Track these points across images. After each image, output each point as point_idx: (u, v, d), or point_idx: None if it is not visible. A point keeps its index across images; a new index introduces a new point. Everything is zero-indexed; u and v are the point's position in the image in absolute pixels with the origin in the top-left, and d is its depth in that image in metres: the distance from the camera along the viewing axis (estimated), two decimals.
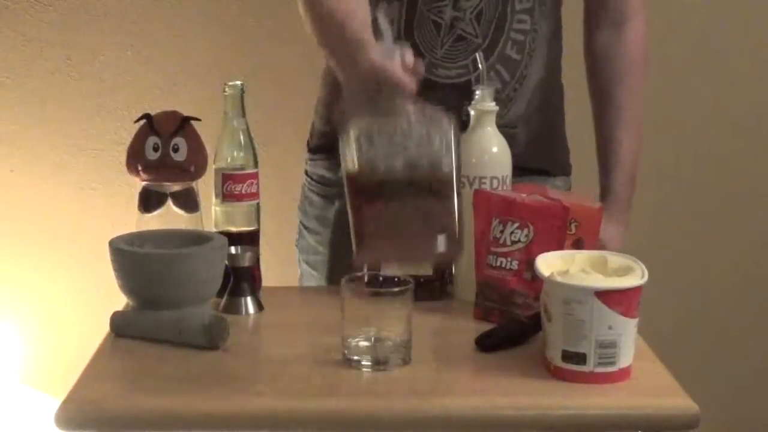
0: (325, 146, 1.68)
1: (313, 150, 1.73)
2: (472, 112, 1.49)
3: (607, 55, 1.68)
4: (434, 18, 1.57)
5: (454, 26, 1.57)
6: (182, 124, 1.53)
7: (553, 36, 1.66)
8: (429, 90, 1.57)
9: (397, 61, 1.29)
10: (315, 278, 1.72)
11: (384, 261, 1.32)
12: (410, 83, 1.29)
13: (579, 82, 1.74)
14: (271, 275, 1.57)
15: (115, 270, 1.40)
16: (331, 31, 1.44)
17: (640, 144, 1.70)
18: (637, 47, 1.69)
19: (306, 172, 1.74)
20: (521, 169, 1.58)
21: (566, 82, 1.74)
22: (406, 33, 1.57)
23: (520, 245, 1.39)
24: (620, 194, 1.67)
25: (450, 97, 1.51)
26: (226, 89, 1.49)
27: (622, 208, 1.68)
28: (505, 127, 1.56)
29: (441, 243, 1.25)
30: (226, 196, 1.50)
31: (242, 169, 1.50)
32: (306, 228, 1.74)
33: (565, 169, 1.75)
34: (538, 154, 1.67)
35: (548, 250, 1.32)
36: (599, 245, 1.44)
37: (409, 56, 1.30)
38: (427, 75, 1.58)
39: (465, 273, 1.49)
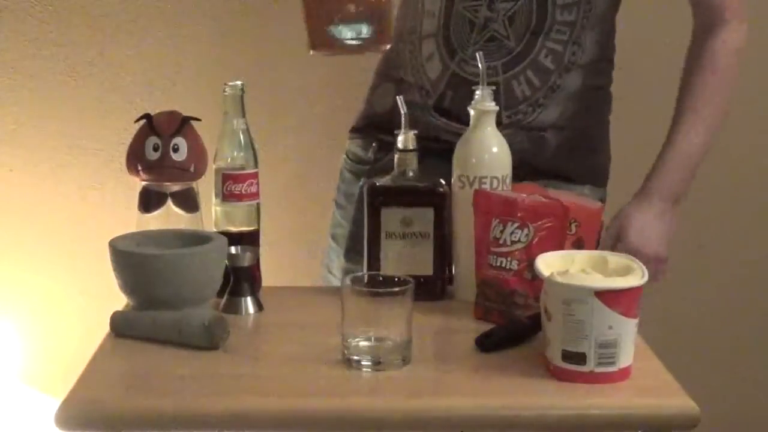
0: (364, 127, 1.76)
1: (354, 130, 1.79)
2: (472, 112, 1.49)
3: (693, 61, 1.64)
4: (469, 16, 1.60)
5: (487, 26, 1.60)
6: (182, 124, 1.53)
7: (601, 46, 1.65)
8: (457, 85, 1.60)
9: None
10: (335, 251, 1.77)
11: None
12: None
13: (627, 93, 1.71)
14: (271, 275, 1.57)
15: (115, 270, 1.40)
16: None
17: (703, 149, 1.63)
18: (720, 57, 1.63)
19: (345, 151, 1.80)
20: (544, 173, 1.59)
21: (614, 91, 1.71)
22: (443, 26, 1.61)
23: (520, 245, 1.39)
24: (662, 177, 1.61)
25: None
26: (226, 89, 1.49)
27: (655, 190, 1.61)
28: (531, 131, 1.56)
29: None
30: (226, 196, 1.50)
31: (242, 169, 1.50)
32: (336, 203, 1.80)
33: (595, 179, 1.71)
34: (566, 160, 1.66)
35: (548, 250, 1.32)
36: (615, 224, 1.54)
37: None
38: (457, 70, 1.59)
39: (465, 273, 1.49)
